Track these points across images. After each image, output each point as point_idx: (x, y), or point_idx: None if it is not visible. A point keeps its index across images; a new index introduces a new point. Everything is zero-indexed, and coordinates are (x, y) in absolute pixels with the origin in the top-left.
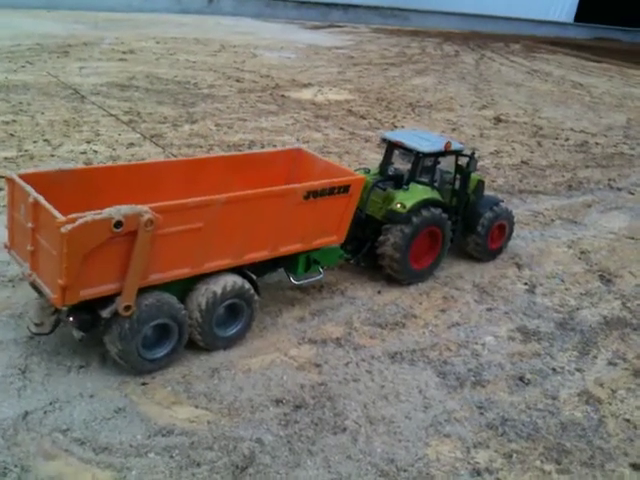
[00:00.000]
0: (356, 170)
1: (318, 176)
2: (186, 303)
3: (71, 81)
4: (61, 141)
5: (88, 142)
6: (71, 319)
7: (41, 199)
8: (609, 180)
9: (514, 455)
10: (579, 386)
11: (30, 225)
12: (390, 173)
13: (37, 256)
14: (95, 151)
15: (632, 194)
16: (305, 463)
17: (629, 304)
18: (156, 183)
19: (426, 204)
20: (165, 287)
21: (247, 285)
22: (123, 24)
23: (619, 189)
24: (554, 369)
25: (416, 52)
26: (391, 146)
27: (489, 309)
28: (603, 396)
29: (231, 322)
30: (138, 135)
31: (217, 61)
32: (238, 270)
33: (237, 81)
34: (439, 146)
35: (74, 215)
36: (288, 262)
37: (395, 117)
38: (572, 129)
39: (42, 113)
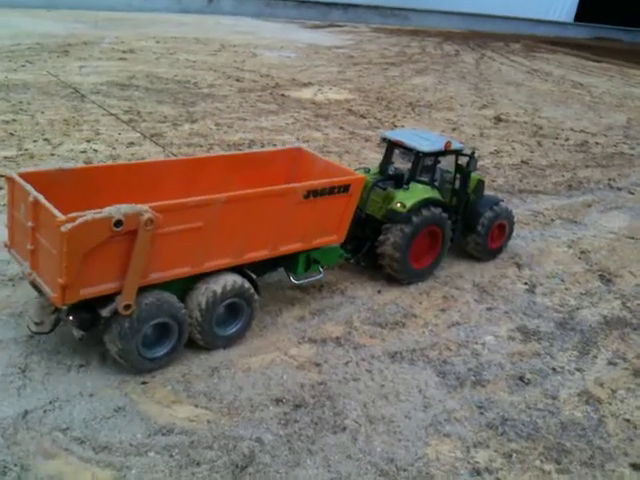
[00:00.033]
0: (356, 169)
1: (318, 175)
2: (186, 302)
3: (71, 80)
4: (61, 140)
5: (88, 141)
6: (71, 318)
7: (41, 198)
8: (609, 180)
9: (514, 455)
10: (579, 386)
11: (30, 224)
12: (390, 172)
13: (37, 255)
14: (95, 150)
15: (632, 194)
16: (305, 462)
17: (629, 304)
18: (156, 182)
19: (426, 203)
20: (165, 286)
21: (247, 284)
22: (123, 23)
23: (619, 189)
24: (554, 369)
25: (416, 52)
26: (391, 145)
27: (489, 309)
28: (603, 396)
29: (231, 321)
30: (138, 134)
31: (217, 60)
32: (238, 269)
33: (237, 80)
34: (439, 145)
35: (74, 214)
36: (288, 261)
37: (395, 116)
38: (572, 129)
39: (42, 112)
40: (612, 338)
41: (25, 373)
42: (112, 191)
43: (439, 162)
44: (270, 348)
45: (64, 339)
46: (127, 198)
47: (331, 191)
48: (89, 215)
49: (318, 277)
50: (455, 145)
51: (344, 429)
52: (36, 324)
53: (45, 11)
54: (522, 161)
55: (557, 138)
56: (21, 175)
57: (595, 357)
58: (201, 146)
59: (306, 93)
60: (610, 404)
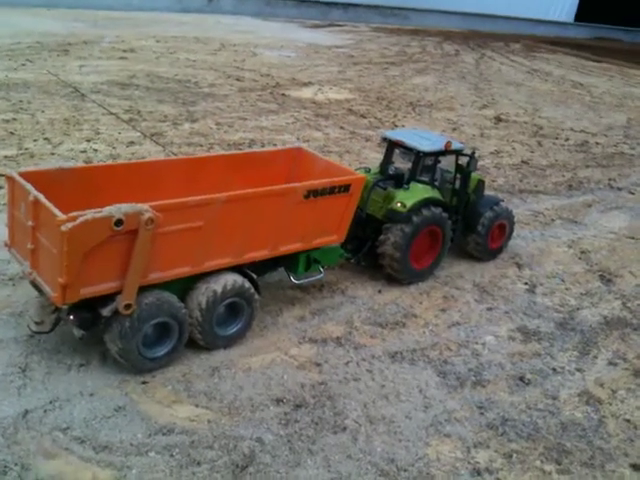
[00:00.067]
0: (356, 169)
1: (318, 175)
2: (186, 302)
3: (71, 79)
4: (61, 139)
5: (88, 140)
6: (71, 317)
7: (41, 197)
8: (609, 180)
9: (514, 455)
10: (579, 386)
11: (30, 223)
12: (390, 172)
13: (37, 254)
14: (95, 149)
15: (632, 194)
16: (305, 462)
17: (629, 304)
18: (156, 182)
19: (426, 203)
20: (165, 286)
21: (247, 284)
22: (123, 23)
23: (619, 189)
24: (554, 369)
25: (416, 51)
26: (392, 145)
27: (489, 309)
28: (603, 396)
29: (231, 321)
30: (138, 134)
31: (217, 60)
32: (238, 269)
33: (237, 80)
34: (439, 145)
35: (74, 213)
36: (288, 261)
37: (395, 116)
38: (572, 129)
39: (42, 111)
40: (612, 338)
41: (25, 373)
42: (112, 190)
43: (439, 162)
44: (270, 348)
45: (64, 338)
46: (127, 197)
47: (331, 191)
48: (89, 214)
49: (318, 277)
50: (455, 145)
51: (344, 429)
52: (36, 323)
53: (45, 10)
54: (522, 161)
55: (557, 138)
56: (21, 174)
57: (595, 357)
58: (201, 145)
59: (306, 93)
60: (610, 404)
